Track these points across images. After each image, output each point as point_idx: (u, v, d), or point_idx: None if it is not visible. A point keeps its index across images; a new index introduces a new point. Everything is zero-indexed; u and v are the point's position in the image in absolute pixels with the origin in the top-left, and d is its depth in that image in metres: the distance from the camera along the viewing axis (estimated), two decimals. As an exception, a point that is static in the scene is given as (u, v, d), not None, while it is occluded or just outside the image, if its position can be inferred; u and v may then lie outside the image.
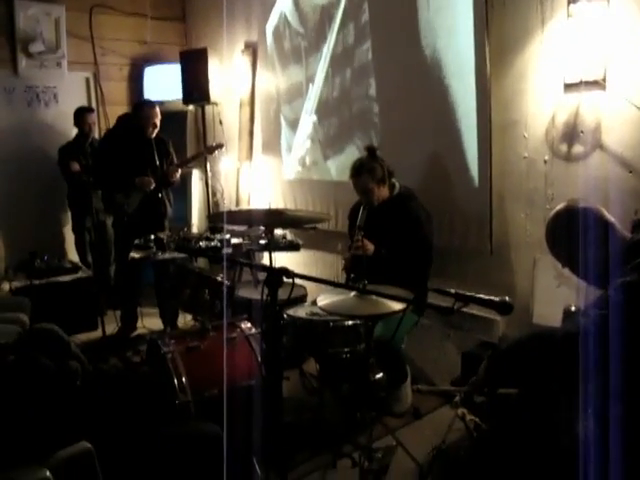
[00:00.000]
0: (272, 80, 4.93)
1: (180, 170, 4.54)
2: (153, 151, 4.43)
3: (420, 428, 3.11)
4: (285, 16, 4.71)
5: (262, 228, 3.84)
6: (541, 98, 3.19)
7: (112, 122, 5.42)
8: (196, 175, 5.80)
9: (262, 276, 3.98)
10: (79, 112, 5.16)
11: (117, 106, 5.68)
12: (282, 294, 1.86)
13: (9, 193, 5.24)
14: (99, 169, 4.48)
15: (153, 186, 4.41)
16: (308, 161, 4.68)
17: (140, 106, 4.47)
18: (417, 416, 3.23)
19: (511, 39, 3.27)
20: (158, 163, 4.46)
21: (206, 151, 4.68)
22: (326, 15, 4.30)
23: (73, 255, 5.37)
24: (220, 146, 4.59)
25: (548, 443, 1.75)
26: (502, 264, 3.45)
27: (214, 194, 5.55)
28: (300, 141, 4.70)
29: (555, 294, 3.11)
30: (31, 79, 5.36)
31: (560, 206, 2.00)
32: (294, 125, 4.76)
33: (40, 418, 1.73)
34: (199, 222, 5.75)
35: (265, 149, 5.17)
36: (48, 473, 1.67)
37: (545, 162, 3.23)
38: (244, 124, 5.35)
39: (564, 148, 3.13)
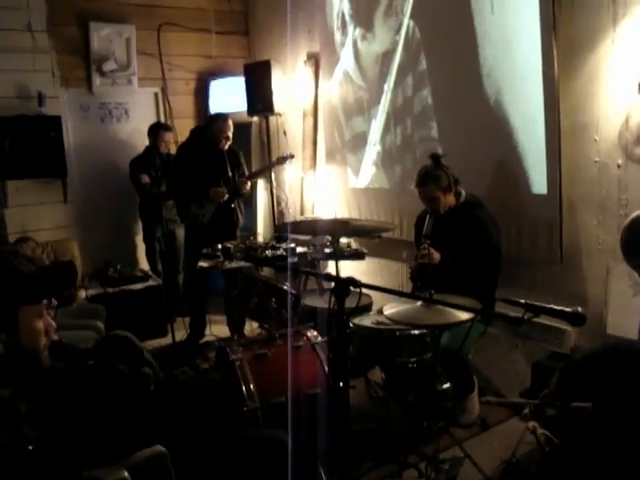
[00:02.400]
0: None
1: (250, 181, 4.68)
2: (226, 163, 4.58)
3: (488, 440, 3.06)
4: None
5: (327, 237, 3.88)
6: (613, 100, 3.09)
7: (180, 135, 5.64)
8: (261, 185, 5.91)
9: (327, 285, 4.03)
10: (156, 128, 5.38)
11: (184, 119, 5.89)
12: (348, 303, 1.87)
13: (85, 205, 5.50)
14: (175, 181, 4.66)
15: (226, 197, 4.56)
16: (373, 170, 4.71)
17: (213, 119, 4.62)
18: (484, 427, 3.18)
19: (580, 39, 3.18)
20: (230, 174, 4.61)
21: (277, 162, 4.80)
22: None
23: (144, 264, 5.58)
24: (291, 157, 4.71)
25: (623, 461, 1.70)
26: (573, 273, 3.35)
27: (279, 203, 5.65)
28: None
29: (630, 304, 3.01)
30: (104, 96, 5.63)
31: (636, 213, 1.94)
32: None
33: (119, 420, 1.81)
34: (264, 231, 5.87)
35: (329, 158, 5.23)
36: (126, 474, 1.74)
37: (618, 166, 3.13)
38: (307, 134, 5.42)
39: (639, 151, 3.02)
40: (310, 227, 3.74)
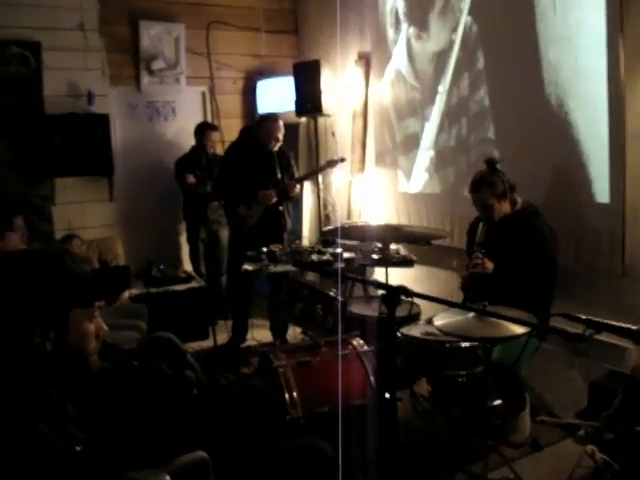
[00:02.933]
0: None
1: (299, 184, 4.72)
2: (275, 164, 4.64)
3: (539, 461, 2.99)
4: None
5: (375, 243, 3.88)
6: (684, 105, 2.99)
7: (226, 135, 5.73)
8: (307, 187, 5.94)
9: (374, 292, 4.01)
10: (203, 127, 5.48)
11: (231, 119, 5.98)
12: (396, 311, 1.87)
13: (130, 204, 5.64)
14: (222, 181, 4.74)
15: (275, 200, 4.61)
16: (425, 174, 4.69)
17: (264, 119, 4.69)
18: (536, 448, 3.10)
19: (649, 40, 3.09)
20: (280, 176, 4.67)
21: (328, 165, 4.81)
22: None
23: (187, 265, 5.68)
24: (342, 160, 4.72)
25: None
26: (636, 286, 3.24)
27: (325, 207, 5.67)
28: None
29: (699, 322, 2.89)
30: (152, 95, 5.76)
31: None
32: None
33: (163, 423, 1.84)
34: (310, 234, 5.90)
35: (378, 161, 5.23)
36: (168, 478, 1.76)
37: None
38: (357, 136, 5.43)
39: None
40: (358, 232, 3.74)
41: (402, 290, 1.84)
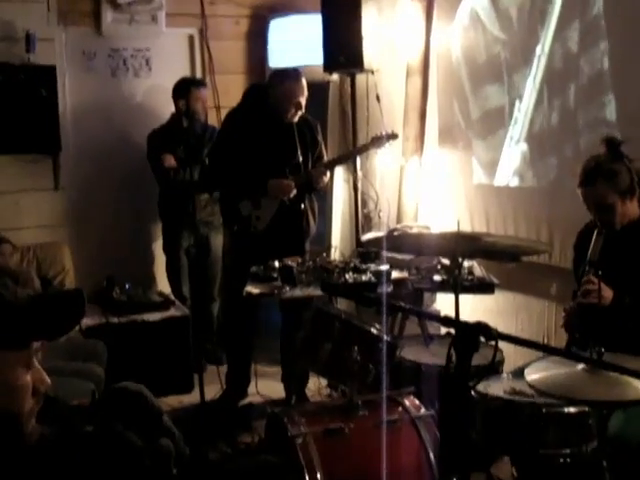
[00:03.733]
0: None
1: (328, 171, 4.77)
2: (295, 142, 4.67)
3: None
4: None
5: (438, 258, 3.90)
6: None
7: (224, 98, 5.77)
8: (340, 176, 5.98)
9: (436, 329, 4.00)
10: (183, 85, 5.51)
11: (231, 75, 6.04)
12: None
13: (84, 195, 5.72)
14: (217, 165, 4.80)
15: (294, 193, 4.64)
16: (513, 161, 4.71)
17: (278, 77, 4.70)
18: None
19: None
20: (301, 159, 4.69)
21: (372, 144, 4.83)
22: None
23: (164, 284, 5.74)
24: (391, 137, 4.75)
25: None
26: None
27: (365, 204, 5.68)
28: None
29: None
30: (118, 39, 5.85)
31: None
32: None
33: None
34: (343, 244, 5.92)
35: (444, 139, 5.26)
36: None
37: None
38: (413, 102, 5.46)
39: None
40: (414, 242, 3.76)
41: (480, 328, 1.83)
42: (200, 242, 5.38)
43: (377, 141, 4.79)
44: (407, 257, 4.12)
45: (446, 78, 5.18)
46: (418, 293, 4.16)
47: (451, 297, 3.50)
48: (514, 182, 4.70)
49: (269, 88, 4.71)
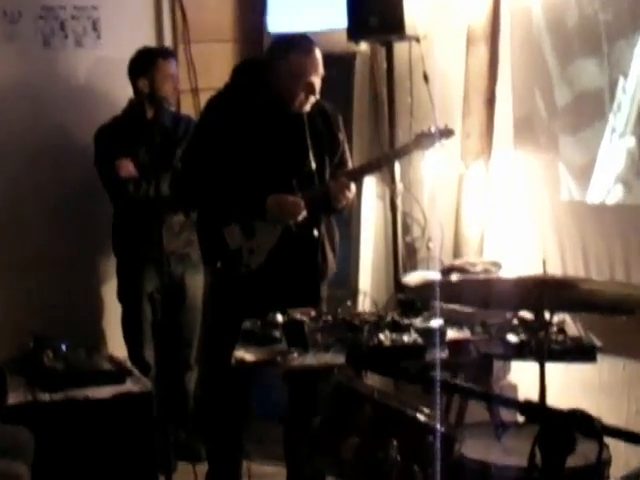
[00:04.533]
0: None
1: (353, 183, 4.75)
2: (305, 141, 4.68)
3: None
4: None
5: (514, 310, 3.90)
6: None
7: (204, 77, 5.82)
8: (370, 189, 6.00)
9: (511, 416, 4.00)
10: (146, 58, 5.57)
11: (214, 44, 6.11)
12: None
13: (2, 217, 5.74)
14: (193, 175, 4.80)
15: (304, 215, 4.64)
16: (620, 169, 4.70)
17: (282, 48, 4.71)
18: None
19: None
20: (314, 166, 4.69)
21: (419, 144, 4.79)
22: None
23: (117, 345, 5.77)
24: (448, 134, 4.74)
25: None
26: None
27: (407, 230, 5.71)
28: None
29: None
30: (52, -8, 5.93)
31: None
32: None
33: None
34: (375, 288, 5.94)
35: (521, 135, 5.28)
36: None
37: None
38: (476, 82, 5.48)
39: None
40: (478, 289, 3.75)
41: (577, 419, 1.84)
42: (171, 285, 5.36)
43: (424, 139, 4.75)
44: (469, 309, 4.10)
45: (524, 48, 5.19)
46: (486, 361, 4.10)
47: (534, 367, 3.51)
48: (617, 195, 4.69)
49: (269, 64, 4.73)
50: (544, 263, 3.37)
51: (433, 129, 4.77)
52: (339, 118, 4.91)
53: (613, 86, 4.68)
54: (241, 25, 6.27)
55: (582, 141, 4.88)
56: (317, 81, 4.63)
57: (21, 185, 5.80)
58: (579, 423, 1.84)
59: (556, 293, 3.33)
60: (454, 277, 4.34)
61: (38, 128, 5.83)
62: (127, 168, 5.44)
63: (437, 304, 3.97)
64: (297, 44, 4.68)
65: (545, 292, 3.31)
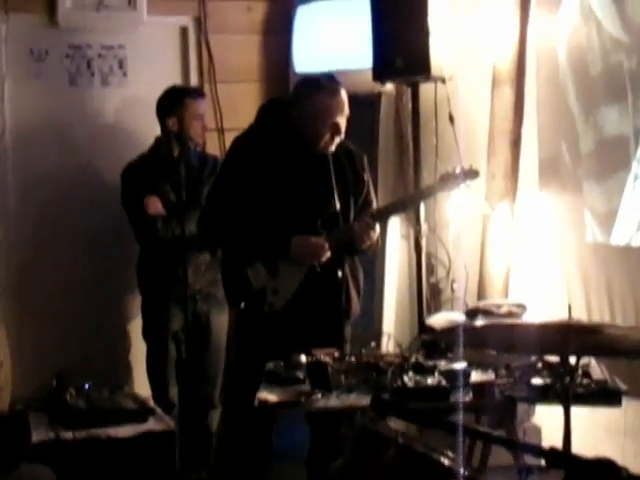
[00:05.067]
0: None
1: (379, 225, 4.76)
2: (330, 182, 4.70)
3: None
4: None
5: (538, 354, 3.92)
6: None
7: (231, 117, 5.90)
8: (394, 230, 6.01)
9: (535, 461, 3.98)
10: (174, 97, 5.61)
11: (240, 84, 6.16)
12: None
13: (23, 254, 5.83)
14: (218, 214, 4.82)
15: (328, 255, 4.65)
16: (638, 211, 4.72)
17: (307, 88, 4.75)
18: None
19: None
20: (339, 206, 4.70)
21: (444, 184, 4.79)
22: None
23: (141, 384, 5.81)
24: (473, 174, 4.74)
25: None
26: None
27: (432, 271, 5.73)
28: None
29: None
30: (79, 32, 6.00)
31: None
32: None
33: None
34: (399, 329, 5.93)
35: (547, 177, 5.32)
36: None
37: None
38: (501, 123, 5.52)
39: None
40: (503, 332, 3.75)
41: (602, 467, 1.85)
42: (196, 324, 5.43)
43: (449, 180, 4.75)
44: (493, 352, 4.12)
45: (549, 91, 5.24)
46: (510, 404, 4.07)
47: (558, 410, 3.50)
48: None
49: (294, 104, 4.77)
50: (569, 308, 3.37)
51: (458, 170, 4.78)
52: (364, 158, 4.94)
53: (637, 134, 4.68)
54: (267, 65, 6.31)
55: (606, 188, 4.90)
56: (342, 122, 4.66)
57: (49, 223, 5.85)
58: (605, 472, 1.84)
59: (581, 338, 3.32)
60: (479, 321, 4.34)
61: (66, 166, 5.89)
62: (155, 206, 5.47)
63: (460, 346, 3.96)
64: (323, 85, 4.71)
65: (570, 337, 3.31)
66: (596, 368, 4.11)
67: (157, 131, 5.64)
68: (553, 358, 3.90)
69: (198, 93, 5.76)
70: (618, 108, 4.80)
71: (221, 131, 5.93)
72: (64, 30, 5.94)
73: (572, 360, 3.62)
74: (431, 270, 5.71)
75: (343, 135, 4.72)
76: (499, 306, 4.87)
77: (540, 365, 4.01)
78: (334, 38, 6.02)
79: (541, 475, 3.62)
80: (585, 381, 3.98)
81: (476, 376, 4.05)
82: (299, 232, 4.67)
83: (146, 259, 5.65)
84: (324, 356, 4.14)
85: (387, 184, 6.10)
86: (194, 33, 6.23)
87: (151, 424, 5.12)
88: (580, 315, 4.27)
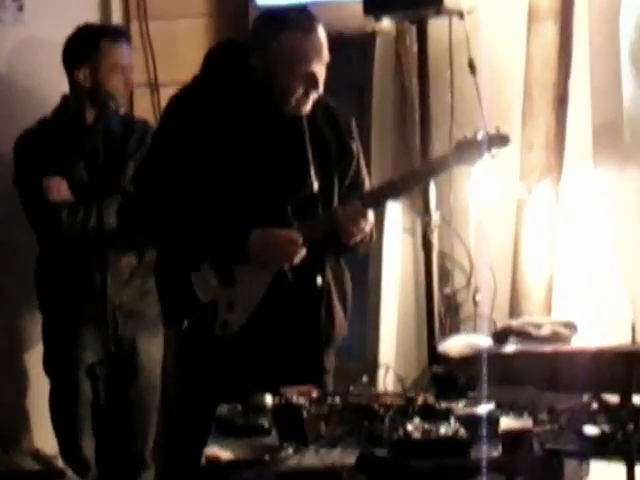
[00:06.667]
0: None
1: (372, 213, 4.68)
2: (305, 153, 4.63)
3: None
4: None
5: (591, 391, 3.86)
6: None
7: (165, 67, 5.85)
8: (395, 221, 5.99)
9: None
10: (87, 40, 5.57)
11: (180, 21, 6.12)
12: None
13: None
14: (152, 200, 4.73)
15: (302, 254, 4.59)
16: None
17: (273, 25, 4.68)
18: None
19: None
20: (317, 186, 4.64)
21: (462, 155, 4.70)
22: None
23: (45, 437, 5.75)
24: (502, 141, 4.66)
25: None
26: None
27: (445, 276, 5.71)
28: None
29: None
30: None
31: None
32: None
33: None
34: (401, 359, 5.92)
35: (603, 146, 5.27)
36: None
37: None
38: (540, 74, 5.48)
39: None
40: (544, 364, 3.72)
41: None
42: (118, 353, 5.36)
43: (469, 150, 4.68)
44: (530, 390, 4.05)
45: (608, 28, 5.21)
46: (554, 461, 4.04)
47: (620, 468, 3.49)
48: None
49: (255, 48, 4.70)
50: (633, 328, 3.33)
51: (480, 136, 4.68)
52: (352, 122, 4.86)
53: None
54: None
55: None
56: (320, 71, 4.58)
57: None
58: None
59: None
60: (511, 347, 4.28)
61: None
62: (59, 190, 5.40)
63: (486, 384, 3.94)
64: (293, 21, 4.63)
65: (635, 368, 3.28)
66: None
67: (64, 87, 5.62)
68: (613, 397, 3.85)
69: (120, 34, 5.69)
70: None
71: (154, 87, 5.89)
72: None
73: (638, 400, 3.58)
74: (446, 277, 5.69)
75: (322, 89, 4.63)
76: (539, 326, 4.79)
77: (595, 407, 3.92)
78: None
79: None
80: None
81: (507, 423, 3.90)
82: (262, 223, 4.58)
83: (48, 264, 5.57)
84: (297, 396, 3.98)
85: (384, 156, 6.04)
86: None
87: (60, 492, 5.11)
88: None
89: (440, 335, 5.41)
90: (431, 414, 3.90)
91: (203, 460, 3.92)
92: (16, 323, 5.95)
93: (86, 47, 5.50)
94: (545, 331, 4.64)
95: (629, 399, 3.46)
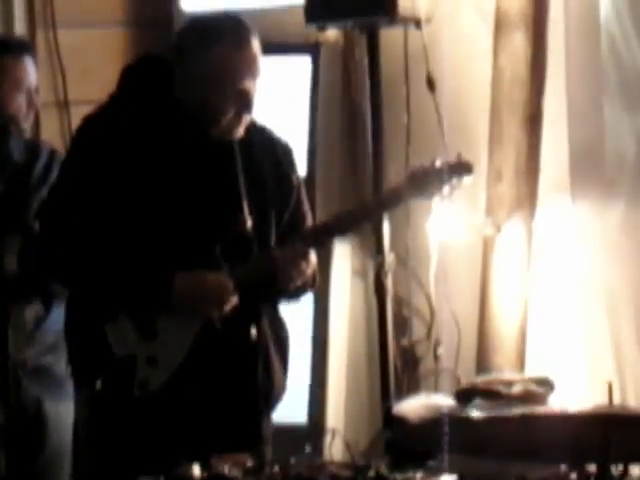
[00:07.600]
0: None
1: (314, 254, 4.74)
2: (236, 183, 4.67)
3: None
4: None
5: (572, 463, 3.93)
6: None
7: (76, 83, 5.89)
8: (342, 261, 6.05)
9: None
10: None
11: (93, 30, 6.16)
12: None
13: None
14: (61, 240, 4.73)
15: (232, 302, 4.63)
16: None
17: (200, 39, 4.74)
18: None
19: None
20: (250, 223, 4.66)
21: (419, 187, 4.76)
22: None
23: None
24: (463, 170, 4.69)
25: None
26: None
27: (402, 326, 5.76)
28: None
29: None
30: None
31: None
32: None
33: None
34: (352, 420, 5.96)
35: (582, 175, 5.35)
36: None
37: None
38: (509, 92, 5.55)
39: None
40: (514, 431, 3.80)
41: None
42: (21, 418, 5.40)
43: (426, 180, 4.73)
44: (504, 460, 4.09)
45: (585, 39, 5.30)
46: None
47: None
48: None
49: (180, 63, 4.76)
50: (610, 387, 3.39)
51: (439, 163, 4.74)
52: (291, 149, 4.91)
53: None
54: (139, 1, 6.35)
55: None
56: (254, 88, 4.67)
57: None
58: None
59: (630, 434, 3.34)
60: (476, 410, 4.32)
61: None
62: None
63: (448, 450, 3.97)
64: (224, 32, 4.68)
65: (612, 433, 3.33)
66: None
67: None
68: (590, 468, 3.89)
69: (21, 46, 5.71)
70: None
71: (64, 106, 5.89)
72: None
73: (616, 469, 3.66)
74: (403, 326, 5.73)
75: (252, 111, 4.71)
76: (509, 384, 4.82)
77: (573, 478, 3.97)
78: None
79: None
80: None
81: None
82: (187, 266, 4.63)
83: None
84: (230, 467, 4.01)
85: (330, 188, 6.11)
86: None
87: None
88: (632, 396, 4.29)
89: (396, 395, 5.46)
90: (385, 484, 3.96)
91: None
92: None
93: None
94: (516, 390, 4.66)
95: (605, 468, 3.51)
